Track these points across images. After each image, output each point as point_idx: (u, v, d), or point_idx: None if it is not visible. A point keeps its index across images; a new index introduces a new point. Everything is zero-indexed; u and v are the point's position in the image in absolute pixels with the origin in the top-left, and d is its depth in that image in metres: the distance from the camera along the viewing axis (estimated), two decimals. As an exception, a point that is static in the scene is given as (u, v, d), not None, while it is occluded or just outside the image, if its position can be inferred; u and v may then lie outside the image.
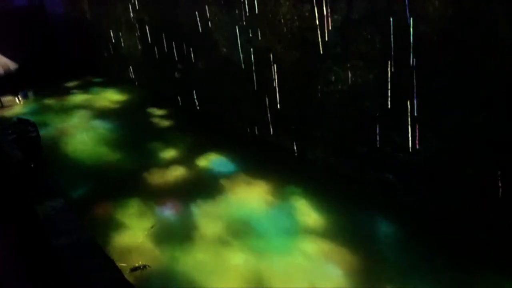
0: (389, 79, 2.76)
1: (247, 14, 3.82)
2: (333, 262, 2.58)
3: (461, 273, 2.39)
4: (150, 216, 3.17)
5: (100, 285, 2.14)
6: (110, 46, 6.74)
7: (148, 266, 2.69)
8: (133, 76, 6.53)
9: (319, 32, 3.12)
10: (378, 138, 3.03)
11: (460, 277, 2.37)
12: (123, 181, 3.72)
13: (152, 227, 3.03)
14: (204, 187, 3.51)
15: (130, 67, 6.47)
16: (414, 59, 2.57)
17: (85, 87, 6.72)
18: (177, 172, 3.79)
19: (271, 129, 4.07)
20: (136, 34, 5.92)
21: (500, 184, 2.39)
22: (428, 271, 2.45)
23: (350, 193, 3.23)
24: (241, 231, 2.94)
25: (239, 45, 4.06)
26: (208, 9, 4.32)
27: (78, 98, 6.25)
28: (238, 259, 2.69)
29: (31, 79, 6.69)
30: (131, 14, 5.83)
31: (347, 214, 2.99)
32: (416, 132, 2.75)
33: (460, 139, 2.51)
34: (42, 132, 4.51)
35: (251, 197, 3.31)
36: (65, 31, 7.66)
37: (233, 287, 2.46)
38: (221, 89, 4.64)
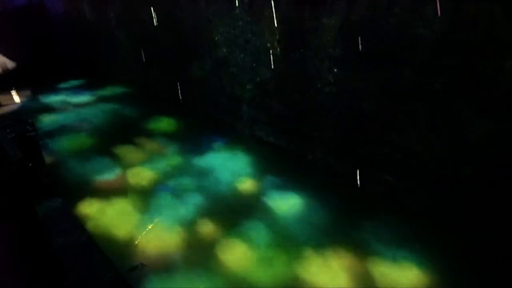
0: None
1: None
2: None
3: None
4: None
5: (98, 285, 2.12)
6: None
7: (145, 265, 2.69)
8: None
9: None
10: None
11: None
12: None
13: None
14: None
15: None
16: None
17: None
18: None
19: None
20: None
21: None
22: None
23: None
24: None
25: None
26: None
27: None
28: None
29: (30, 78, 6.66)
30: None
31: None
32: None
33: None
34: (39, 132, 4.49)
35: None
36: (64, 30, 7.63)
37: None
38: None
